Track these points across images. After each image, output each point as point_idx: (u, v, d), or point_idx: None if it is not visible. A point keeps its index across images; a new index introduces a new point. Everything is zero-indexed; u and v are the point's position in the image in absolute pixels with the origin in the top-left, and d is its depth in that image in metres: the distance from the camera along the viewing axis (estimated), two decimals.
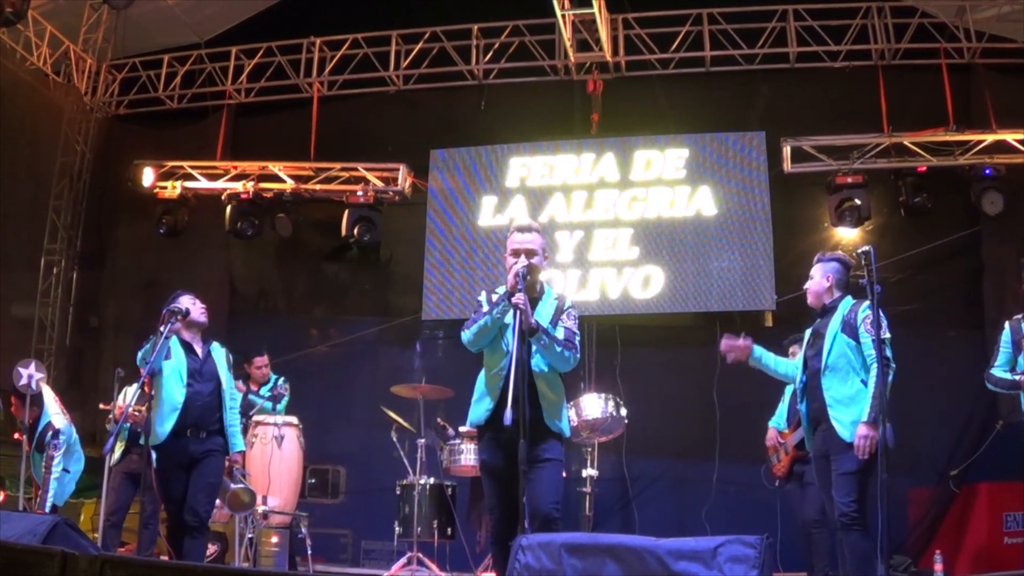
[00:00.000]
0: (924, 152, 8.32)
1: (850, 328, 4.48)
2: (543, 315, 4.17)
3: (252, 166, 9.53)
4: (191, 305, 5.02)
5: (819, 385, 4.52)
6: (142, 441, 5.20)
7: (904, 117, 8.41)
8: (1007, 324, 5.25)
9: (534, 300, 4.17)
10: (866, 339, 4.39)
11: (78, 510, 8.10)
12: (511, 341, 3.94)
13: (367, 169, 9.34)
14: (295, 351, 8.91)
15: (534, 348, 4.07)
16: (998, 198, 8.00)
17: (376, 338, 9.41)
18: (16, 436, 7.17)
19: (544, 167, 9.02)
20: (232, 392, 5.20)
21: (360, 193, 9.15)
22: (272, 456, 6.60)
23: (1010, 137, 8.13)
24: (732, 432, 7.87)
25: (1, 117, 8.67)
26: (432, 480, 6.69)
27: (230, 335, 8.44)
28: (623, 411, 6.64)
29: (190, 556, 4.76)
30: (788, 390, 6.11)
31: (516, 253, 4.17)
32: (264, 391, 7.26)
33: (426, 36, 9.67)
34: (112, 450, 6.47)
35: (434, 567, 6.48)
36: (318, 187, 9.42)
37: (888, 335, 4.36)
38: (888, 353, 4.32)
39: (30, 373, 6.84)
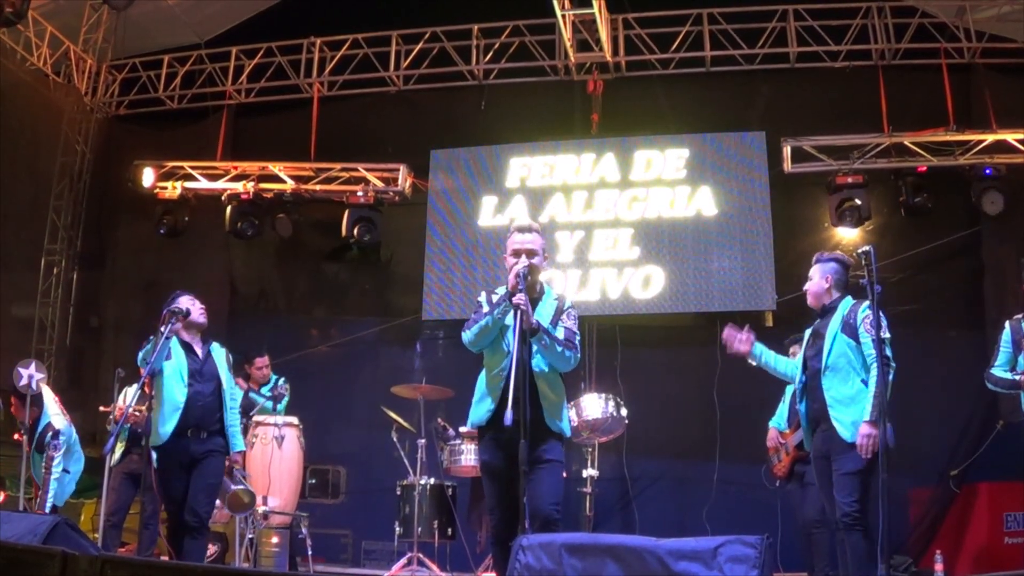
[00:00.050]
0: (924, 152, 8.32)
1: (850, 328, 4.48)
2: (543, 315, 4.17)
3: (252, 166, 9.53)
4: (190, 305, 5.02)
5: (819, 385, 4.52)
6: (143, 442, 5.20)
7: (904, 117, 8.41)
8: (1007, 324, 5.25)
9: (534, 300, 4.17)
10: (866, 339, 4.39)
11: (78, 510, 8.10)
12: (512, 342, 3.94)
13: (367, 169, 9.34)
14: (295, 351, 8.91)
15: (535, 348, 4.07)
16: (998, 198, 8.00)
17: (376, 338, 9.42)
18: (16, 436, 7.16)
19: (544, 167, 9.02)
20: (232, 392, 5.20)
21: (360, 193, 9.15)
22: (272, 456, 6.60)
23: (1010, 137, 8.13)
24: (732, 432, 7.87)
25: (1, 117, 8.67)
26: (432, 480, 6.69)
27: (230, 335, 8.45)
28: (623, 411, 6.64)
29: (190, 556, 4.76)
30: (788, 390, 6.10)
31: (517, 253, 4.18)
32: (265, 391, 7.26)
33: (426, 36, 9.67)
34: (112, 450, 6.47)
35: (434, 567, 6.48)
36: (318, 187, 9.42)
37: (888, 335, 4.36)
38: (888, 353, 4.32)
39: (30, 373, 6.84)
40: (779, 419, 6.31)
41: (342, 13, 9.66)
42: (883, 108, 8.50)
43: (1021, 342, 5.14)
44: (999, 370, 5.21)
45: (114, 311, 10.16)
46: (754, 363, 4.85)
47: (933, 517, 7.66)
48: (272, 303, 10.04)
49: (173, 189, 9.53)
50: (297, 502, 6.90)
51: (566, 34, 8.76)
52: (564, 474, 4.33)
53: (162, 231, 9.55)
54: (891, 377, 4.31)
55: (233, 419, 5.10)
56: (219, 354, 5.16)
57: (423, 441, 6.83)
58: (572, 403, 6.39)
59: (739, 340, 4.78)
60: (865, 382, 4.40)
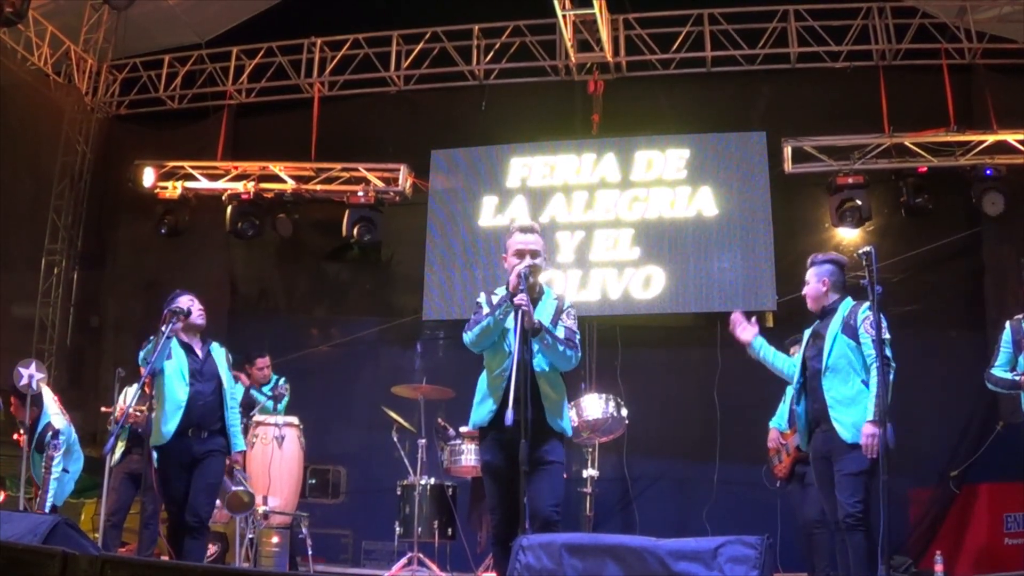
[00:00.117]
0: (925, 152, 8.32)
1: (851, 329, 4.48)
2: (543, 315, 4.17)
3: (253, 166, 9.53)
4: (190, 305, 5.02)
5: (820, 386, 4.52)
6: (144, 442, 5.20)
7: (905, 117, 8.41)
8: (1008, 324, 5.25)
9: (534, 300, 4.17)
10: (866, 340, 4.38)
11: (79, 510, 8.10)
12: (513, 342, 3.94)
13: (368, 169, 9.34)
14: (296, 351, 8.91)
15: (536, 348, 4.07)
16: (999, 198, 8.00)
17: (377, 338, 9.42)
18: (16, 436, 7.16)
19: (545, 167, 9.02)
20: (232, 392, 5.20)
21: (361, 193, 9.15)
22: (273, 456, 6.59)
23: (1011, 138, 8.13)
24: (733, 432, 7.87)
25: (2, 117, 8.67)
26: (433, 480, 6.69)
27: (231, 335, 8.46)
28: (624, 411, 6.64)
29: (190, 556, 4.76)
30: (789, 391, 6.09)
31: (520, 254, 4.18)
32: (265, 391, 7.26)
33: (427, 36, 9.67)
34: (113, 450, 6.47)
35: (435, 567, 6.48)
36: (319, 187, 9.42)
37: (888, 336, 4.35)
38: (888, 353, 4.31)
39: (31, 373, 6.84)
40: (780, 419, 6.31)
41: (342, 13, 9.66)
42: (884, 108, 8.50)
43: (1021, 342, 5.14)
44: (999, 370, 5.21)
45: (114, 311, 10.16)
46: (753, 355, 4.86)
47: (933, 518, 7.66)
48: (272, 303, 10.05)
49: (174, 189, 9.53)
50: (297, 502, 6.90)
51: (567, 34, 8.76)
52: (564, 475, 4.33)
53: (163, 231, 9.55)
54: (891, 378, 4.31)
55: (234, 419, 5.10)
56: (219, 354, 5.16)
57: (423, 441, 6.83)
58: (572, 403, 6.39)
59: (743, 327, 4.79)
60: (865, 383, 4.40)
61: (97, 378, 9.67)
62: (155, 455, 4.89)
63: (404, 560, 6.51)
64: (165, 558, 5.61)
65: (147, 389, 4.96)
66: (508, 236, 4.32)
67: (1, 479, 8.05)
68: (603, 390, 6.97)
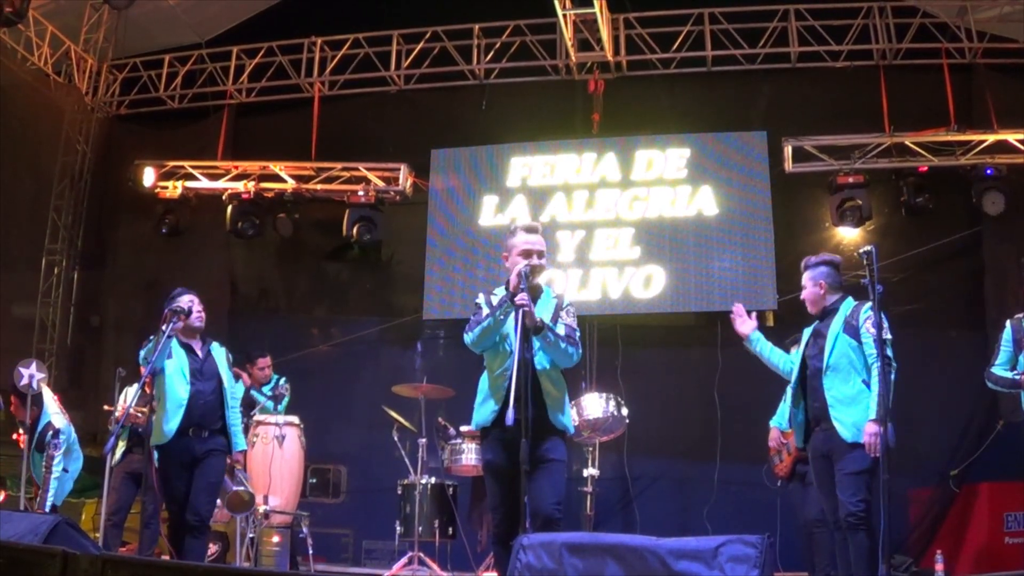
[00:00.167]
0: (925, 152, 8.31)
1: (852, 329, 4.48)
2: (543, 313, 4.17)
3: (253, 166, 9.53)
4: (191, 305, 5.02)
5: (820, 385, 4.52)
6: (144, 441, 5.20)
7: (905, 117, 8.41)
8: (1008, 323, 5.24)
9: (533, 300, 4.17)
10: (868, 339, 4.38)
11: (79, 510, 8.10)
12: (514, 342, 3.95)
13: (368, 169, 9.33)
14: (296, 351, 8.91)
15: (537, 346, 4.07)
16: (999, 198, 8.00)
17: (377, 338, 9.41)
18: (16, 436, 7.17)
19: (545, 167, 9.02)
20: (233, 391, 5.20)
21: (361, 193, 9.15)
22: (273, 456, 6.59)
23: (1011, 137, 8.12)
24: (733, 432, 7.87)
25: (2, 117, 8.67)
26: (433, 480, 6.69)
27: (231, 335, 8.47)
28: (624, 411, 6.64)
29: (191, 556, 4.76)
30: (789, 390, 6.10)
31: (527, 254, 4.19)
32: (266, 391, 7.26)
33: (427, 36, 9.66)
34: (113, 450, 6.47)
35: (435, 567, 6.48)
36: (319, 187, 9.42)
37: (889, 336, 4.35)
38: (889, 353, 4.31)
39: (31, 373, 6.84)
40: (780, 419, 6.29)
41: (343, 13, 9.66)
42: (884, 108, 8.50)
43: (1022, 341, 5.13)
44: (999, 369, 5.20)
45: (115, 311, 10.16)
46: (749, 348, 4.86)
47: (933, 517, 7.66)
48: (273, 303, 10.05)
49: (174, 189, 9.53)
50: (298, 501, 6.90)
51: (567, 34, 8.76)
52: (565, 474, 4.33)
53: (163, 231, 9.55)
54: (892, 377, 4.31)
55: (235, 418, 5.11)
56: (219, 353, 5.16)
57: (424, 440, 6.83)
58: (573, 402, 6.38)
59: (743, 320, 4.80)
60: (866, 382, 4.40)
61: (97, 378, 9.67)
62: (156, 454, 4.89)
63: (405, 559, 6.52)
64: (166, 557, 5.60)
65: (148, 389, 4.96)
66: (511, 236, 4.32)
67: (1, 479, 8.05)
68: (603, 389, 6.97)
